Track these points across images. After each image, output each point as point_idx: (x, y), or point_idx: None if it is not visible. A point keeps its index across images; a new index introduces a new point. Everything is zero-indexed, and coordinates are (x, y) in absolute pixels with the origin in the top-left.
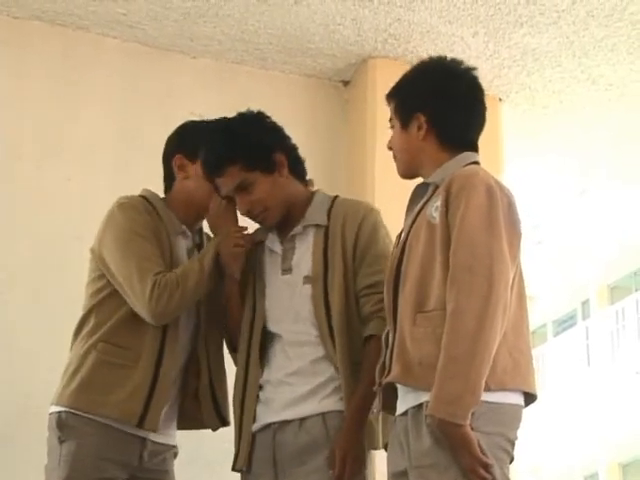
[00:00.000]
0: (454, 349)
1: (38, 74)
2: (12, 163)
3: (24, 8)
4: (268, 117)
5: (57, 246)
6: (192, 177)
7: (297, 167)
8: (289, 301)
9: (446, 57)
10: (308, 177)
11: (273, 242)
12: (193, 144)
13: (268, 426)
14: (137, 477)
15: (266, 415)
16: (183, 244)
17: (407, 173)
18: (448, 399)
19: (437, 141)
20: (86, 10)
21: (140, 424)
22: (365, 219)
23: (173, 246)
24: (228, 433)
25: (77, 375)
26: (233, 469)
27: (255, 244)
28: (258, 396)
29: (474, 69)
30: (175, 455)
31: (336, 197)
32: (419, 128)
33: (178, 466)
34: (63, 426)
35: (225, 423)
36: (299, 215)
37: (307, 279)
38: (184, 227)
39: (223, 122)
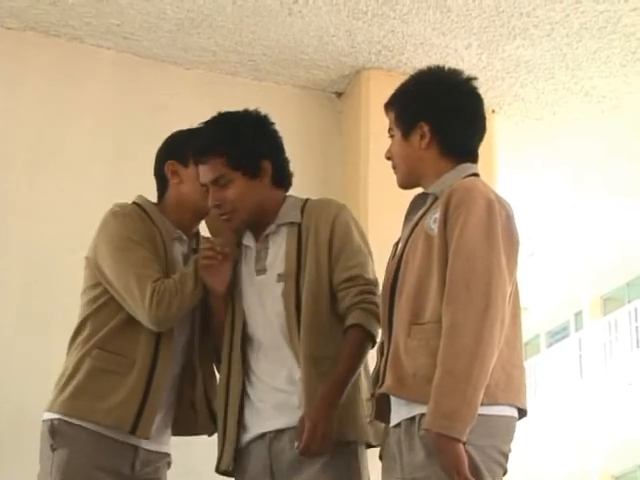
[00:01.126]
0: (451, 364)
1: (32, 85)
2: (5, 174)
3: (18, 19)
4: (272, 123)
5: (51, 257)
6: (186, 181)
7: (282, 179)
8: (263, 302)
9: (444, 67)
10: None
11: (249, 241)
12: (185, 150)
13: (262, 436)
14: None
15: (259, 424)
16: (179, 249)
17: (407, 183)
18: (445, 413)
19: (438, 150)
20: (80, 21)
21: (133, 431)
22: (338, 216)
23: (169, 251)
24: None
25: (71, 382)
26: (217, 470)
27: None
28: (242, 400)
29: (474, 79)
30: (169, 465)
31: (307, 199)
32: (422, 137)
33: (170, 478)
34: (55, 433)
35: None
36: (272, 217)
37: (280, 277)
38: (179, 232)
39: (226, 114)
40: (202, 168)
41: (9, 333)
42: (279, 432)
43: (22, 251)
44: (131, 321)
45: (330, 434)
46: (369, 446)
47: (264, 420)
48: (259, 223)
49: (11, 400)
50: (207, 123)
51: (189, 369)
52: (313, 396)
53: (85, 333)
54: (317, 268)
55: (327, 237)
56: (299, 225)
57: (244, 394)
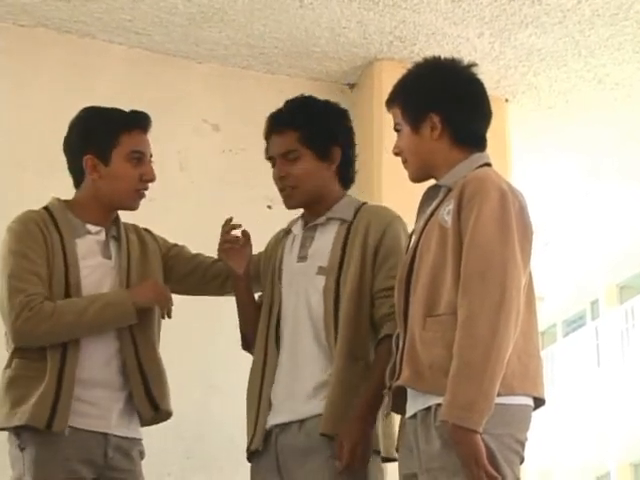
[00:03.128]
0: (467, 355)
1: (44, 81)
2: (17, 172)
3: (30, 16)
4: (350, 120)
5: None
6: (105, 179)
7: (346, 172)
8: (300, 289)
9: (440, 56)
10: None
11: (298, 229)
12: (105, 145)
13: (272, 428)
14: (105, 476)
15: (270, 417)
16: (89, 242)
17: (419, 176)
18: (461, 404)
19: (450, 141)
20: (92, 17)
21: (49, 426)
22: (392, 224)
23: (69, 253)
24: (242, 440)
25: (1, 393)
26: (248, 449)
27: (284, 234)
28: (273, 380)
29: (475, 65)
30: (142, 454)
31: (365, 202)
32: (433, 128)
33: (189, 471)
34: (21, 434)
35: (162, 414)
36: (326, 208)
37: (321, 270)
38: (88, 226)
39: (309, 96)
40: (274, 139)
41: None
42: (285, 425)
43: None
44: None
45: (369, 451)
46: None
47: (273, 412)
48: (314, 213)
49: None
50: (289, 100)
51: (124, 361)
52: (343, 394)
53: (11, 347)
54: (361, 269)
55: (375, 242)
56: (349, 224)
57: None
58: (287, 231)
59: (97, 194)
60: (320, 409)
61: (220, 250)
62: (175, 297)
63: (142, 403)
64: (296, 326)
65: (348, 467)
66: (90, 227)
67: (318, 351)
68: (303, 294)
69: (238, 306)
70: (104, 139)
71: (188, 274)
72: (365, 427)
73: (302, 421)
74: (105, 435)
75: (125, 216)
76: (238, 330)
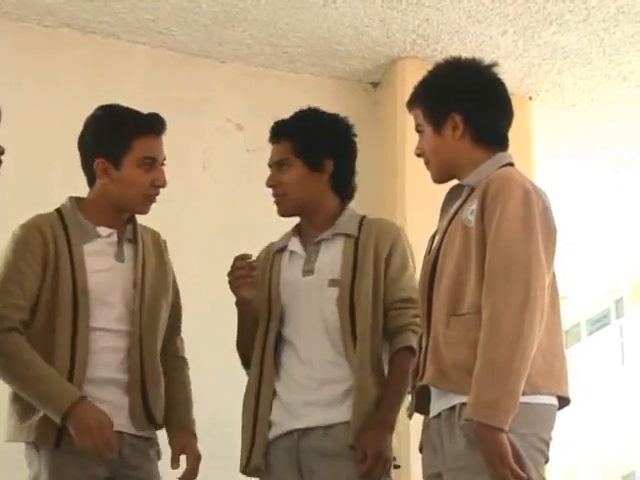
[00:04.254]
0: (492, 354)
1: (68, 82)
2: (44, 172)
3: (54, 16)
4: (354, 134)
5: None
6: (116, 183)
7: (342, 185)
8: (310, 301)
9: (461, 56)
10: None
11: (295, 245)
12: (117, 149)
13: (290, 432)
14: (121, 474)
15: (287, 421)
16: (99, 247)
17: (442, 177)
18: (487, 403)
19: (472, 140)
20: (115, 17)
21: (57, 445)
22: (399, 237)
23: (75, 256)
24: None
25: (9, 405)
26: (245, 470)
27: (275, 252)
28: (272, 402)
29: (496, 65)
30: (159, 455)
31: (364, 216)
32: (454, 128)
33: (213, 471)
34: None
35: (155, 425)
36: (326, 223)
37: (333, 282)
38: (99, 229)
39: (314, 108)
40: (272, 149)
41: None
42: (308, 430)
43: None
44: (43, 333)
45: (390, 461)
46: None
47: (293, 417)
48: (313, 227)
49: None
50: (300, 110)
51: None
52: (366, 404)
53: None
54: (375, 283)
55: (385, 255)
56: (356, 239)
57: (274, 391)
58: (280, 249)
59: (107, 197)
60: (345, 416)
61: (238, 285)
62: (205, 297)
63: (139, 415)
64: (310, 337)
65: (370, 473)
66: (101, 230)
67: (335, 360)
68: (315, 306)
69: (244, 328)
70: (116, 143)
71: None
72: (387, 435)
73: (327, 427)
74: (120, 433)
75: (149, 215)
76: None
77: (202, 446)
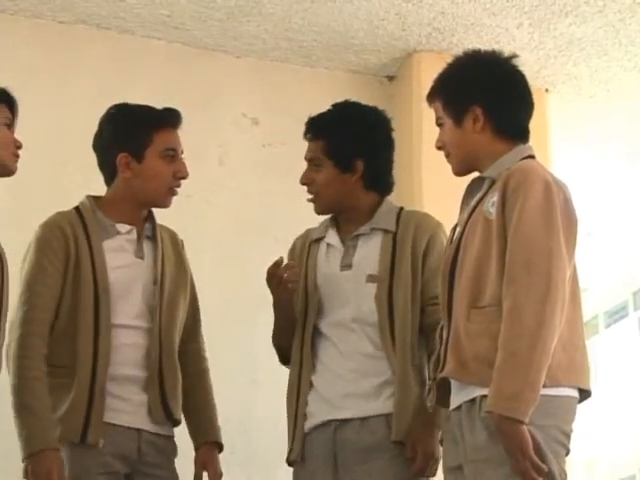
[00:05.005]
0: (513, 346)
1: (84, 78)
2: (60, 169)
3: (69, 13)
4: (392, 129)
5: None
6: (139, 177)
7: (376, 182)
8: (348, 296)
9: (480, 49)
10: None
11: (333, 238)
12: (139, 143)
13: (327, 423)
14: (140, 471)
15: (324, 412)
16: (119, 243)
17: (463, 170)
18: (508, 395)
19: (492, 133)
20: (131, 13)
21: (83, 439)
22: (436, 233)
23: (96, 253)
24: (284, 435)
25: None
26: (288, 461)
27: (312, 242)
28: (310, 393)
29: (515, 57)
30: (175, 452)
31: (402, 208)
32: (475, 121)
33: (232, 466)
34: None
35: (173, 422)
36: (364, 217)
37: (371, 278)
38: (118, 226)
39: (351, 105)
40: (308, 144)
41: None
42: (344, 421)
43: None
44: (66, 330)
45: (439, 458)
46: None
47: (330, 407)
48: (351, 221)
49: None
50: (333, 104)
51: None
52: (409, 400)
53: None
54: (413, 278)
55: (423, 251)
56: (394, 234)
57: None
58: (317, 239)
59: (130, 192)
60: (382, 409)
61: (286, 291)
62: (220, 291)
63: (157, 411)
64: (347, 331)
65: (421, 472)
66: (120, 227)
67: (373, 354)
68: (352, 301)
69: (282, 322)
70: (138, 137)
71: None
72: (436, 434)
73: (363, 419)
74: (138, 431)
75: (167, 211)
76: None
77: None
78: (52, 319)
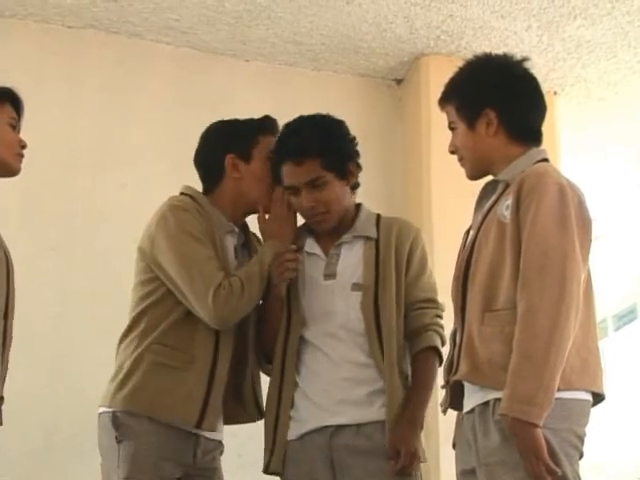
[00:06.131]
0: (528, 349)
1: (93, 82)
2: (68, 171)
3: (78, 17)
4: (347, 127)
5: (115, 252)
6: (246, 178)
7: (356, 185)
8: (332, 306)
9: (491, 52)
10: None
11: (313, 247)
12: (247, 144)
13: (323, 429)
14: (190, 475)
15: (318, 418)
16: (231, 242)
17: (477, 173)
18: (522, 398)
19: (506, 136)
20: (139, 17)
21: (198, 426)
22: (417, 237)
23: (223, 245)
24: None
25: (131, 377)
26: (266, 471)
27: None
28: (294, 401)
29: (527, 60)
30: (221, 452)
31: (379, 215)
32: (488, 125)
33: (240, 469)
34: (119, 426)
35: (263, 415)
36: (344, 225)
37: (356, 286)
38: (231, 224)
39: (313, 116)
40: (294, 170)
41: (73, 330)
42: (340, 427)
43: (86, 247)
44: (188, 316)
45: (421, 455)
46: None
47: (324, 413)
48: (332, 229)
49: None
50: (297, 125)
51: (240, 360)
52: (397, 405)
53: (140, 328)
54: (397, 285)
55: (406, 257)
56: (376, 241)
57: (296, 390)
58: (297, 249)
59: (237, 193)
60: (376, 416)
61: (284, 274)
62: None
63: (250, 401)
64: (334, 341)
65: (404, 471)
66: (233, 226)
67: (364, 363)
68: (339, 310)
69: (272, 323)
70: (244, 138)
71: None
72: (417, 433)
73: (359, 425)
74: (197, 437)
75: None
76: None
77: (229, 444)
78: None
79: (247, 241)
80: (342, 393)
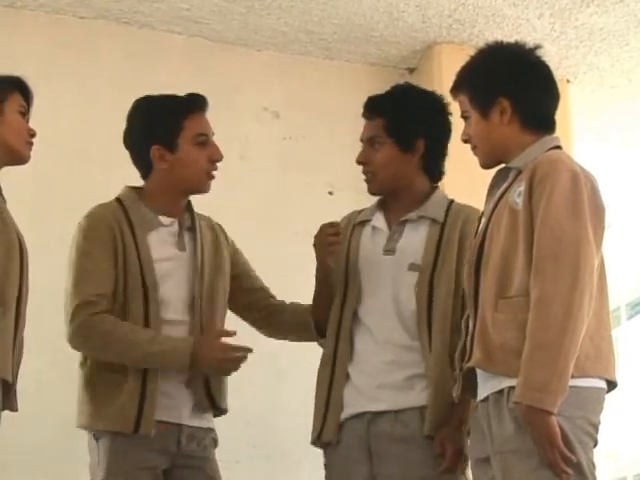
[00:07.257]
0: (541, 336)
1: (104, 74)
2: (81, 164)
3: (89, 8)
4: (450, 114)
5: None
6: (175, 167)
7: (431, 165)
8: (388, 282)
9: (503, 41)
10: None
11: (379, 221)
12: (170, 132)
13: (362, 414)
14: (178, 464)
15: (358, 403)
16: (162, 236)
17: (491, 162)
18: (536, 386)
19: (519, 124)
20: (150, 7)
21: (136, 431)
22: None
23: (141, 246)
24: (308, 428)
25: (83, 392)
26: (317, 441)
27: (356, 224)
28: (346, 381)
29: (539, 47)
30: (215, 443)
31: (452, 200)
32: (502, 113)
33: (256, 460)
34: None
35: (216, 407)
36: (414, 204)
37: (413, 266)
38: (161, 218)
39: (412, 85)
40: (365, 123)
41: None
42: (378, 414)
43: None
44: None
45: (467, 456)
46: None
47: (364, 399)
48: (400, 206)
49: None
50: (393, 86)
51: None
52: (444, 396)
53: None
54: (457, 271)
55: (469, 242)
56: (442, 225)
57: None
58: (362, 222)
59: (168, 183)
60: (416, 402)
61: (326, 250)
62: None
63: (202, 401)
64: (383, 319)
65: (450, 469)
66: (163, 219)
67: (408, 345)
68: (390, 288)
69: (321, 295)
70: (168, 127)
71: (244, 309)
72: (463, 430)
73: (397, 411)
74: (179, 426)
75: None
76: None
77: (244, 436)
78: (111, 308)
79: (193, 226)
80: (382, 377)
